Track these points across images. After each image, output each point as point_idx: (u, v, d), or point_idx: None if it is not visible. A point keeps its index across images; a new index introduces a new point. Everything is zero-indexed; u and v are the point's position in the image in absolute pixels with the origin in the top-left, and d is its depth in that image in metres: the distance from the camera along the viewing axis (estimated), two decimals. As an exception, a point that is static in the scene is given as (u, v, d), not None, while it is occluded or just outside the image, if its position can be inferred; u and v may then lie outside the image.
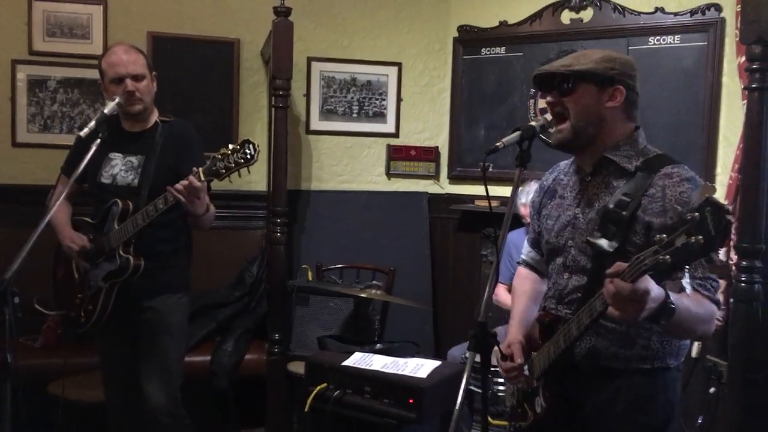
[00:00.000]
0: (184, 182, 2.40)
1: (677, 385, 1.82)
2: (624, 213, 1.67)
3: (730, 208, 3.16)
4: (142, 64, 2.65)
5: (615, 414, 1.77)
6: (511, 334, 1.99)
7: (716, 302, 1.66)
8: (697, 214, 1.25)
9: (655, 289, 1.42)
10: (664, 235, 1.30)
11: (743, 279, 2.76)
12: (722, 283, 3.19)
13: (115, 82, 2.60)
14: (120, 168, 2.69)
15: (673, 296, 1.50)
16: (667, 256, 1.30)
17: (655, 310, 1.46)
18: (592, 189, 1.83)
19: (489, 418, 2.72)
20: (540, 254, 2.06)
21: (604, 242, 1.67)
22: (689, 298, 1.58)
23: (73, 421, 2.96)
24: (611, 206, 1.70)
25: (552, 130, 1.83)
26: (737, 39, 3.22)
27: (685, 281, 1.43)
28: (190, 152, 2.68)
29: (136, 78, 2.61)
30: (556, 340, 1.78)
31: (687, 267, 1.35)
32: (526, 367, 1.88)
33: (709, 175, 3.51)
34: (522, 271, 2.16)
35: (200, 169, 2.41)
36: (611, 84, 1.76)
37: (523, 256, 2.16)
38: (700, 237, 1.24)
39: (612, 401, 1.77)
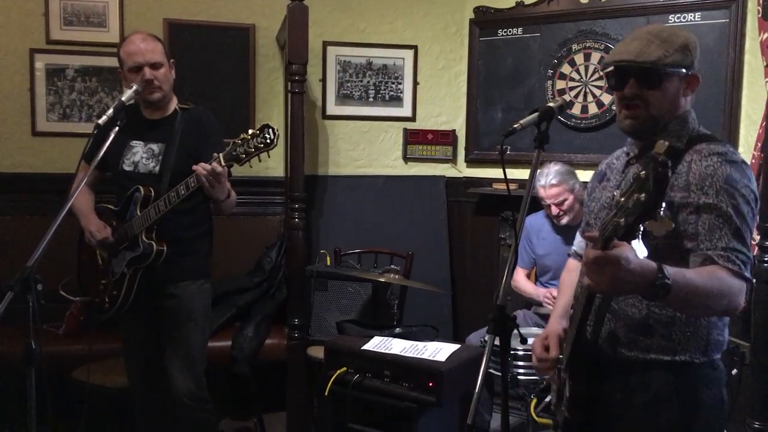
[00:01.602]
0: (207, 166, 2.42)
1: (711, 384, 1.68)
2: None
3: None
4: (160, 51, 2.67)
5: (629, 415, 1.70)
6: (550, 325, 1.93)
7: (742, 277, 1.53)
8: (644, 172, 1.22)
9: (635, 262, 1.35)
10: (622, 198, 1.27)
11: (765, 259, 2.72)
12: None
13: (133, 70, 2.63)
14: (141, 155, 2.71)
15: (672, 272, 1.41)
16: (621, 219, 1.26)
17: (644, 286, 1.39)
18: (633, 170, 1.76)
19: (534, 416, 2.72)
20: None
21: None
22: (698, 272, 1.49)
23: (97, 406, 3.00)
24: None
25: (620, 116, 1.74)
26: (759, 15, 3.17)
27: (637, 242, 1.35)
28: (210, 139, 2.70)
29: (154, 66, 2.63)
30: (571, 327, 1.75)
31: (641, 227, 1.30)
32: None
33: (731, 154, 3.45)
34: (571, 263, 2.10)
35: (221, 154, 2.43)
36: (690, 71, 1.70)
37: (574, 248, 2.11)
38: (642, 194, 1.21)
39: (626, 401, 1.71)
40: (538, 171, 3.44)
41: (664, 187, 1.21)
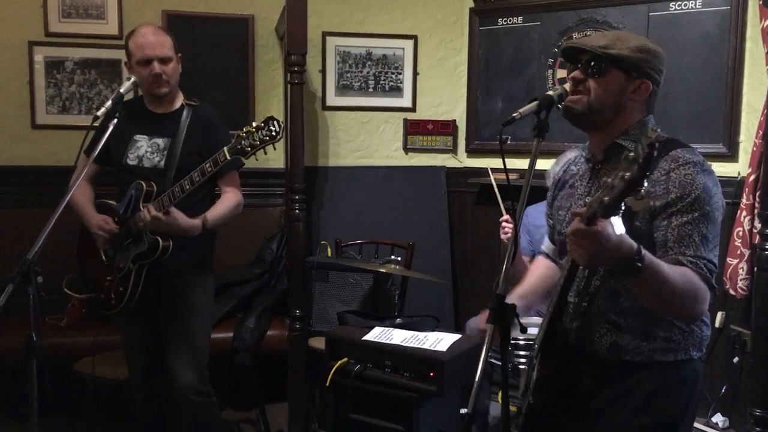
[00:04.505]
0: (147, 212, 2.47)
1: (698, 377, 1.79)
2: None
3: (754, 176, 3.11)
4: (170, 46, 2.65)
5: (629, 407, 1.74)
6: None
7: (708, 283, 1.61)
8: (632, 153, 1.30)
9: (614, 239, 1.43)
10: (608, 179, 1.35)
11: (766, 247, 2.72)
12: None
13: (142, 63, 2.61)
14: (146, 150, 2.70)
15: (649, 257, 1.49)
16: (606, 197, 1.34)
17: (618, 262, 1.47)
18: (602, 176, 1.77)
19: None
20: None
21: None
22: (672, 268, 1.55)
23: (99, 398, 3.01)
24: None
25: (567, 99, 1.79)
26: (760, 2, 3.15)
27: (617, 219, 1.42)
28: (216, 135, 2.69)
29: (164, 61, 2.62)
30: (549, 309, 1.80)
31: (621, 206, 1.37)
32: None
33: (732, 142, 3.45)
34: (539, 259, 2.15)
35: (225, 148, 2.42)
36: (639, 76, 1.73)
37: (543, 247, 2.15)
38: (628, 172, 1.30)
39: (628, 394, 1.74)
40: (556, 159, 3.43)
41: (648, 165, 1.28)
